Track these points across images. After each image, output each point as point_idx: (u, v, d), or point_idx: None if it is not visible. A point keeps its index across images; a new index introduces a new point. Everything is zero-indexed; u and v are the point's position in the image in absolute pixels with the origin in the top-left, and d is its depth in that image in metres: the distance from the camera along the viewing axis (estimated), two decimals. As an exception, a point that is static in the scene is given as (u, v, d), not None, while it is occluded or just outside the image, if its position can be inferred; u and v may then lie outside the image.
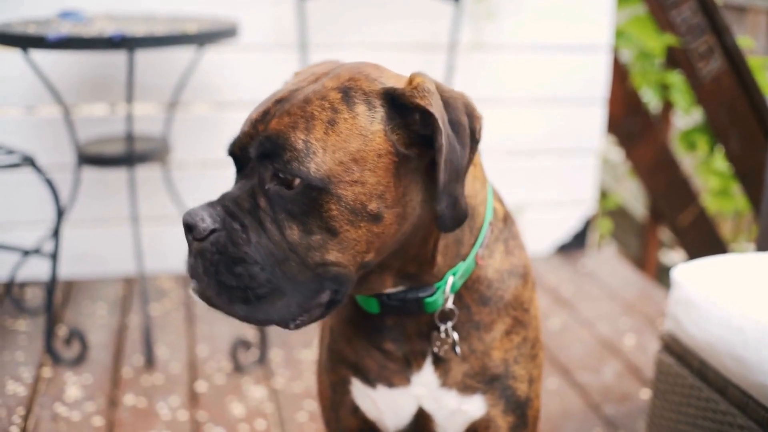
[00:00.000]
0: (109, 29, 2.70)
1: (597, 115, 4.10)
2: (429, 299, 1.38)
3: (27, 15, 3.29)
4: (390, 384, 1.48)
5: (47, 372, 2.87)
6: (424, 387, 1.47)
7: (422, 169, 1.27)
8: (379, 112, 1.23)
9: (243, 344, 2.93)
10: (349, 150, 1.20)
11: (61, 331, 3.14)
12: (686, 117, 5.12)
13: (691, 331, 2.07)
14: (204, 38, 2.79)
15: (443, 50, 3.74)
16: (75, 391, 2.75)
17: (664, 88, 4.60)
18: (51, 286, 2.87)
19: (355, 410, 1.54)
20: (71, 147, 3.33)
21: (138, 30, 2.69)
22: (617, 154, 5.79)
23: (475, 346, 1.44)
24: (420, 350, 1.45)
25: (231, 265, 1.21)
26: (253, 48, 3.58)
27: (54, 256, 2.87)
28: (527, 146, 4.05)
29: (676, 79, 4.51)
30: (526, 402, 1.50)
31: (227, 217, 1.22)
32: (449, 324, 1.41)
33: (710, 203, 4.80)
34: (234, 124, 1.90)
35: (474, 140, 1.26)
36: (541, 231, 4.17)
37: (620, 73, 4.40)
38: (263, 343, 2.98)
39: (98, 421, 2.59)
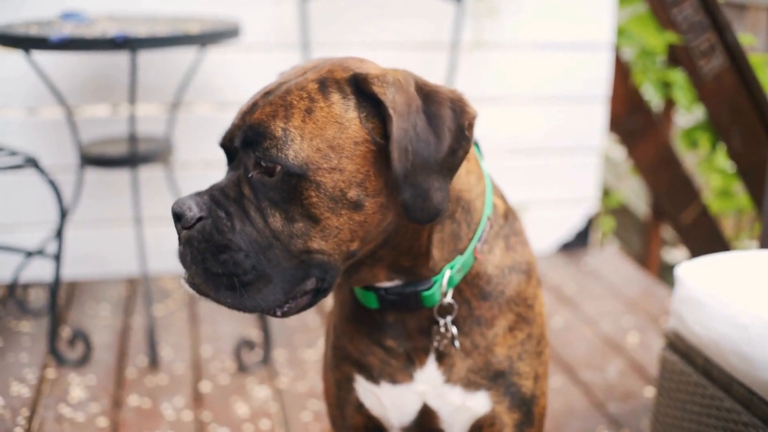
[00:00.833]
0: (111, 30, 2.70)
1: (599, 113, 4.10)
2: (426, 293, 1.39)
3: (29, 16, 3.30)
4: (393, 381, 1.48)
5: (51, 373, 2.88)
6: (427, 383, 1.47)
7: None
8: (352, 100, 1.26)
9: (247, 344, 2.94)
10: (325, 137, 1.23)
11: (65, 332, 3.15)
12: (688, 115, 5.13)
13: (695, 328, 2.07)
14: (206, 38, 2.79)
15: (445, 49, 3.74)
16: (79, 392, 2.75)
17: (665, 86, 4.60)
18: (54, 287, 2.87)
19: (360, 407, 1.55)
20: (74, 148, 3.33)
21: (140, 30, 2.69)
22: (619, 152, 5.79)
23: (478, 341, 1.45)
24: (422, 347, 1.46)
25: (217, 252, 1.24)
26: (255, 48, 3.58)
27: (57, 257, 2.87)
28: (529, 144, 4.05)
29: (677, 76, 4.51)
30: (532, 399, 1.50)
31: (213, 205, 1.26)
32: (448, 318, 1.42)
33: (712, 202, 4.80)
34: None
35: (463, 136, 1.27)
36: (544, 229, 4.17)
37: (622, 71, 4.39)
38: (267, 343, 2.98)
39: (103, 421, 2.60)
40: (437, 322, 1.42)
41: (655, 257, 4.94)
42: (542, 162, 4.10)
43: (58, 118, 3.50)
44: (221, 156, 3.58)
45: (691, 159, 5.32)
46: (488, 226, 1.44)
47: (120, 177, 3.57)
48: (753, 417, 1.91)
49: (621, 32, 4.41)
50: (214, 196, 1.27)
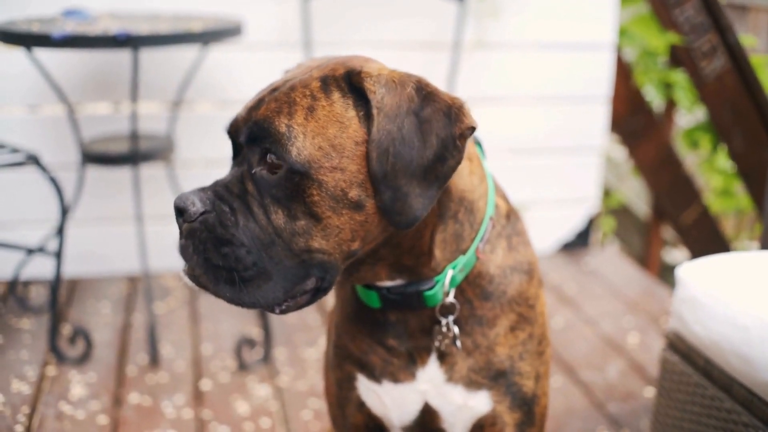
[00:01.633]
0: (113, 28, 2.70)
1: (600, 113, 4.10)
2: (428, 292, 1.39)
3: (31, 13, 3.30)
4: (395, 379, 1.48)
5: (52, 371, 2.88)
6: (429, 382, 1.47)
7: None
8: (350, 98, 1.26)
9: (247, 343, 2.94)
10: (327, 136, 1.23)
11: (66, 329, 3.15)
12: (689, 115, 5.13)
13: (696, 329, 2.07)
14: (208, 37, 2.79)
15: (447, 49, 3.74)
16: (79, 390, 2.76)
17: (667, 87, 4.60)
18: (55, 284, 2.87)
19: (361, 406, 1.55)
20: (75, 146, 3.33)
21: (142, 28, 2.69)
22: (620, 152, 5.79)
23: (479, 341, 1.45)
24: (424, 346, 1.46)
25: (219, 245, 1.24)
26: (258, 47, 3.59)
27: (58, 255, 2.87)
28: (530, 144, 4.06)
29: (679, 77, 4.51)
30: (533, 399, 1.51)
31: (217, 200, 1.26)
32: (450, 318, 1.42)
33: (713, 202, 4.80)
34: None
35: (454, 145, 1.25)
36: (545, 229, 4.17)
37: (623, 72, 4.40)
38: (268, 342, 2.98)
39: (103, 419, 2.60)
40: (439, 322, 1.42)
41: (656, 257, 4.94)
42: (543, 162, 4.10)
43: (59, 116, 3.50)
44: (223, 154, 3.60)
45: (691, 159, 5.32)
46: (490, 226, 1.44)
47: (121, 175, 3.57)
48: (753, 418, 1.91)
49: (623, 33, 4.41)
50: (218, 192, 1.27)
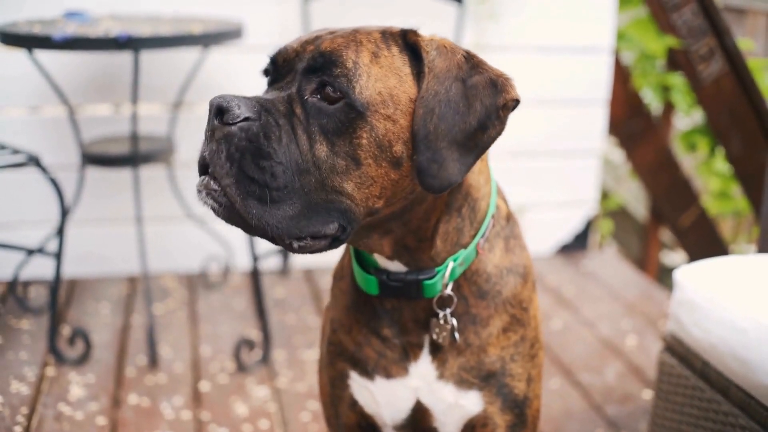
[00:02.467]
0: (114, 30, 2.71)
1: (599, 116, 4.11)
2: (428, 282, 1.40)
3: (32, 15, 3.30)
4: (388, 375, 1.49)
5: (51, 371, 2.88)
6: (421, 378, 1.48)
7: None
8: (407, 55, 1.29)
9: (246, 344, 2.95)
10: (387, 84, 1.25)
11: (65, 330, 3.16)
12: (687, 118, 5.14)
13: (693, 332, 2.08)
14: (209, 39, 2.80)
15: (446, 51, 3.74)
16: (78, 391, 2.76)
17: (665, 90, 4.62)
18: (55, 285, 2.88)
19: (354, 405, 1.56)
20: (76, 147, 3.34)
21: (143, 30, 2.70)
22: (618, 155, 5.81)
23: (471, 339, 1.46)
24: (416, 341, 1.47)
25: (258, 157, 1.20)
26: (258, 49, 3.59)
27: (58, 256, 2.88)
28: (529, 147, 4.07)
29: (677, 80, 4.53)
30: (525, 401, 1.51)
31: (263, 111, 1.23)
32: (448, 311, 1.43)
33: (711, 205, 4.81)
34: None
35: (497, 115, 1.28)
36: (543, 231, 4.18)
37: (622, 75, 4.41)
38: (266, 343, 2.99)
39: (102, 420, 2.60)
40: (436, 315, 1.43)
41: (654, 260, 4.96)
42: (542, 164, 4.11)
43: (60, 117, 3.51)
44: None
45: (689, 162, 5.33)
46: (491, 224, 1.46)
47: (121, 176, 3.58)
48: (750, 420, 1.93)
49: (621, 36, 4.43)
50: (263, 104, 1.24)
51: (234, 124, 1.20)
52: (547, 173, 4.12)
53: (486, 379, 1.47)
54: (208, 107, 1.24)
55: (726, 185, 4.82)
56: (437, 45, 1.29)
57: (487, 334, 1.46)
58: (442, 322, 1.43)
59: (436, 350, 1.47)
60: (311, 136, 1.23)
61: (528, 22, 3.88)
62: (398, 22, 3.82)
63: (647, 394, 2.88)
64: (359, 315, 1.52)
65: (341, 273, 1.61)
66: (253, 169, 1.19)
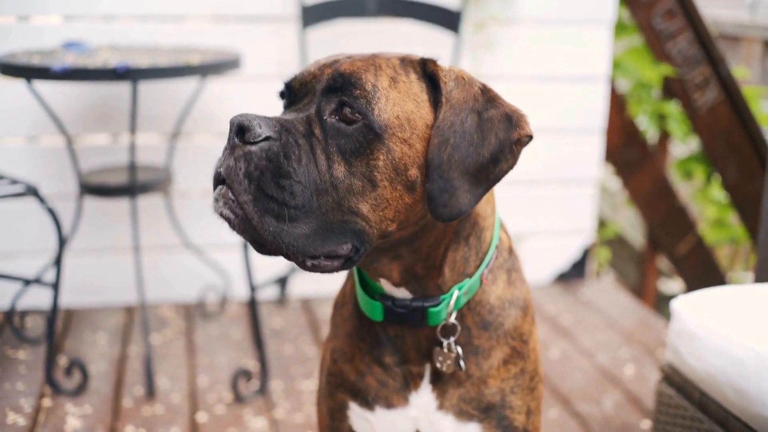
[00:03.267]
0: (113, 60, 2.73)
1: (595, 144, 4.13)
2: (433, 309, 1.40)
3: (31, 45, 3.33)
4: (388, 405, 1.49)
5: (47, 402, 2.87)
6: (421, 409, 1.48)
7: None
8: (424, 83, 1.32)
9: (244, 374, 2.93)
10: (405, 109, 1.28)
11: (62, 360, 3.14)
12: (683, 146, 5.17)
13: (691, 362, 2.08)
14: (207, 69, 2.82)
15: (443, 81, 3.76)
16: (75, 422, 2.75)
17: (660, 118, 4.65)
18: (52, 315, 2.87)
19: None
20: (74, 176, 3.34)
21: (142, 61, 2.72)
22: (615, 183, 5.82)
23: (472, 371, 1.46)
24: (417, 370, 1.47)
25: (278, 176, 1.22)
26: (256, 78, 3.62)
27: (55, 286, 2.87)
28: (526, 176, 4.08)
29: (672, 109, 4.56)
30: None
31: (283, 130, 1.25)
32: (452, 339, 1.43)
33: (707, 232, 4.82)
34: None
35: (510, 149, 1.30)
36: (540, 260, 4.19)
37: (618, 103, 4.44)
38: (264, 374, 2.98)
39: (99, 451, 2.59)
40: (439, 343, 1.44)
41: (651, 288, 4.96)
42: (539, 193, 4.12)
43: (58, 147, 3.52)
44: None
45: (685, 189, 5.35)
46: (495, 255, 1.47)
47: (119, 205, 3.59)
48: (749, 451, 1.92)
49: (616, 65, 4.47)
50: (284, 124, 1.26)
51: (255, 143, 1.22)
52: (544, 202, 4.13)
53: (486, 411, 1.47)
54: (227, 126, 1.27)
55: (722, 213, 4.84)
56: (455, 76, 1.32)
57: (488, 366, 1.47)
58: (446, 350, 1.43)
59: (436, 380, 1.47)
60: (329, 156, 1.25)
61: (523, 51, 3.91)
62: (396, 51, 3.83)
63: (646, 424, 2.87)
64: (362, 342, 1.52)
65: (343, 300, 1.61)
66: (273, 187, 1.21)
